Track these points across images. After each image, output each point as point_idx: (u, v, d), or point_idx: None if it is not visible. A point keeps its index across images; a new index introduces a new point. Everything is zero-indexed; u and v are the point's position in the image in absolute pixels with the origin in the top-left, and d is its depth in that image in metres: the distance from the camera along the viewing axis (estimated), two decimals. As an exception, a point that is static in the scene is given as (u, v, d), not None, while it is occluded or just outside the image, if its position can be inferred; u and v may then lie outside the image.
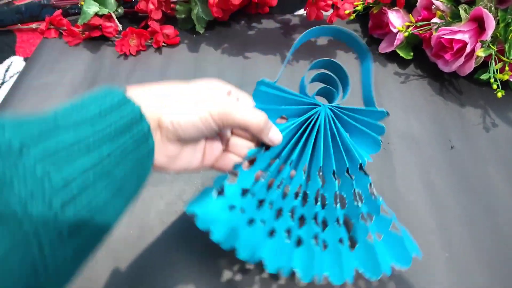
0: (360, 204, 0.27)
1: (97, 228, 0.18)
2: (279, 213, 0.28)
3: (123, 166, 0.19)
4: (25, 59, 0.53)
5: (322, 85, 0.29)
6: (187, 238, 0.34)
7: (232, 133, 0.28)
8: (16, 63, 0.52)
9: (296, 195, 0.28)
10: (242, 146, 0.27)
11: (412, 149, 0.40)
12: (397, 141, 0.41)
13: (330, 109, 0.28)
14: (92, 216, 0.18)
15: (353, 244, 0.27)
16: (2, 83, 0.49)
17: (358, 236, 0.27)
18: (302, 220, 0.28)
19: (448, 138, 0.41)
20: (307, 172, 0.28)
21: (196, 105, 0.23)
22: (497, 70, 0.41)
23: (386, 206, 0.27)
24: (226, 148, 0.28)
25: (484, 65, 0.44)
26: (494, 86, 0.40)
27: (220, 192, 0.26)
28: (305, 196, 0.28)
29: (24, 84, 0.48)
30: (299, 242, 0.27)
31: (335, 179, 0.27)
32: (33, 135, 0.16)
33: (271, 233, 0.27)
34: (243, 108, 0.24)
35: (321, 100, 0.28)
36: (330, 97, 0.29)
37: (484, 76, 0.41)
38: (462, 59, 0.42)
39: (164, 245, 0.33)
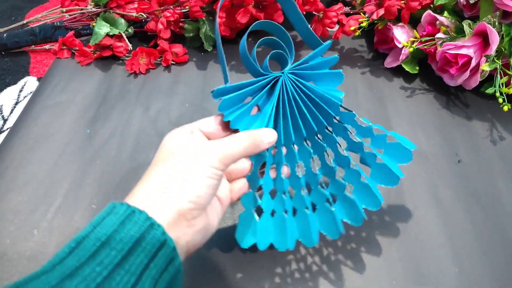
0: (358, 139, 0.30)
1: None
2: (273, 193, 0.30)
3: None
4: (39, 79, 0.54)
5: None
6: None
7: None
8: (30, 83, 0.54)
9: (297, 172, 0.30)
10: (238, 164, 0.28)
11: (420, 163, 0.40)
12: (404, 155, 0.41)
13: (291, 72, 0.29)
14: None
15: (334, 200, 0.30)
16: (17, 103, 0.51)
17: (369, 163, 0.31)
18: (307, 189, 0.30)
19: (456, 152, 0.41)
20: (296, 143, 0.30)
21: (197, 168, 0.23)
22: (502, 84, 0.41)
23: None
24: (229, 179, 0.29)
25: (490, 78, 0.44)
26: (500, 100, 0.40)
27: (258, 211, 0.29)
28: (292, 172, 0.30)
29: (38, 103, 0.50)
30: (294, 212, 0.30)
31: (327, 134, 0.30)
32: None
33: (272, 214, 0.30)
34: (231, 141, 0.25)
35: (273, 64, 0.29)
36: (281, 61, 0.30)
37: (489, 90, 0.42)
38: (467, 74, 0.43)
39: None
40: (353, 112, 0.30)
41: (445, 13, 0.46)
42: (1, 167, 0.42)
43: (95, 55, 0.55)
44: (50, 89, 0.51)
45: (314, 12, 0.49)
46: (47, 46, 0.58)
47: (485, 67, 0.41)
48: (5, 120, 0.49)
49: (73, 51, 0.56)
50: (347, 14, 0.51)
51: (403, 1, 0.46)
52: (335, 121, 0.30)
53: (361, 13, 0.50)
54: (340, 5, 0.49)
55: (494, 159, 0.40)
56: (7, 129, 0.47)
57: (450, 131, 0.43)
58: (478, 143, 0.42)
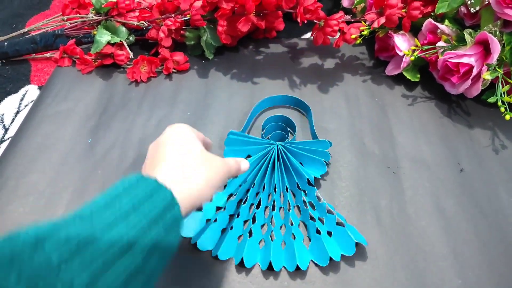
0: (308, 208, 0.36)
1: None
2: (245, 222, 0.37)
3: (154, 258, 0.20)
4: (40, 87, 0.54)
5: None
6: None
7: None
8: (31, 91, 0.54)
9: (258, 206, 0.37)
10: None
11: (422, 172, 0.40)
12: (406, 165, 0.41)
13: (282, 145, 0.40)
14: None
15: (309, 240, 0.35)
16: (18, 112, 0.51)
17: (310, 234, 0.35)
18: (263, 226, 0.37)
19: (458, 161, 0.41)
20: (266, 190, 0.38)
21: (209, 177, 0.26)
22: (504, 92, 0.41)
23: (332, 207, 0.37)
24: None
25: (491, 86, 0.44)
26: (502, 109, 0.40)
27: (199, 209, 0.35)
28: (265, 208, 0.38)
29: (39, 112, 0.49)
30: (262, 242, 0.35)
31: (288, 192, 0.38)
32: (71, 247, 0.18)
33: (239, 238, 0.36)
34: (230, 164, 0.29)
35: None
36: (282, 140, 0.42)
37: (491, 99, 0.42)
38: (469, 82, 0.43)
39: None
40: (314, 187, 0.38)
41: (446, 22, 0.46)
42: (2, 178, 0.42)
43: (96, 63, 0.55)
44: (51, 98, 0.51)
45: (315, 21, 0.49)
46: (48, 54, 0.58)
47: (487, 76, 0.41)
48: (6, 130, 0.48)
49: (74, 59, 0.56)
50: (348, 22, 0.51)
51: (404, 10, 0.46)
52: (297, 189, 0.38)
53: (362, 21, 0.50)
54: (341, 13, 0.49)
55: (496, 168, 0.40)
56: (8, 138, 0.47)
57: (452, 139, 0.43)
58: (480, 152, 0.42)
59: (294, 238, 0.34)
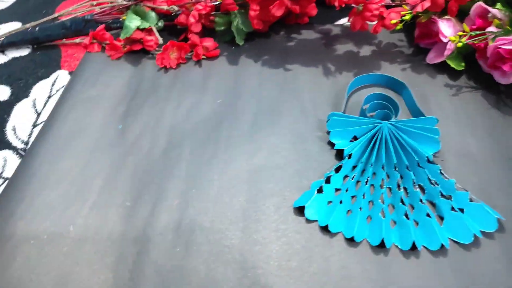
0: (438, 186, 0.35)
1: None
2: (371, 203, 0.35)
3: None
4: (70, 73, 0.54)
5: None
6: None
7: None
8: (62, 77, 0.54)
9: (381, 187, 0.36)
10: None
11: (469, 167, 0.38)
12: (452, 159, 0.38)
13: (390, 123, 0.38)
14: None
15: (441, 219, 0.34)
16: (49, 97, 0.51)
17: (443, 212, 0.34)
18: (391, 206, 0.35)
19: (508, 156, 0.38)
20: (385, 170, 0.37)
21: None
22: None
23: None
24: None
25: (546, 76, 0.41)
26: (561, 100, 0.37)
27: (320, 190, 0.36)
28: (389, 189, 0.36)
29: (70, 98, 0.49)
30: (393, 223, 0.34)
31: (410, 171, 0.36)
32: None
33: (368, 218, 0.34)
34: None
35: None
36: (386, 118, 0.39)
37: (549, 89, 0.38)
38: (523, 71, 0.39)
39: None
40: (438, 165, 0.36)
41: (498, 5, 0.42)
42: (36, 163, 0.42)
43: (125, 49, 0.54)
44: (81, 83, 0.51)
45: (353, 5, 0.46)
46: (77, 40, 0.57)
47: (544, 64, 0.38)
48: (38, 114, 0.49)
49: (104, 45, 0.56)
50: (388, 7, 0.48)
51: (451, -8, 0.43)
52: (419, 167, 0.36)
53: (403, 5, 0.47)
54: (380, -4, 0.46)
55: (551, 164, 0.37)
56: (41, 122, 0.47)
57: (502, 133, 0.40)
58: (533, 146, 0.39)
59: (430, 216, 0.33)
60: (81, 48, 0.57)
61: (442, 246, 0.32)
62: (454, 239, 0.33)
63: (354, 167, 0.37)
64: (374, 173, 0.37)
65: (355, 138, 0.39)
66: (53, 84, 0.53)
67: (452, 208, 0.33)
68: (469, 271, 0.31)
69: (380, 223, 0.33)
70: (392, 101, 0.40)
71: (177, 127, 0.44)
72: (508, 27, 0.41)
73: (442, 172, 0.35)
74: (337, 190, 0.37)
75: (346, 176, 0.37)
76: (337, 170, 0.37)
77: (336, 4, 0.45)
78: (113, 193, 0.38)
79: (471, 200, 0.34)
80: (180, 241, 0.34)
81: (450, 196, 0.35)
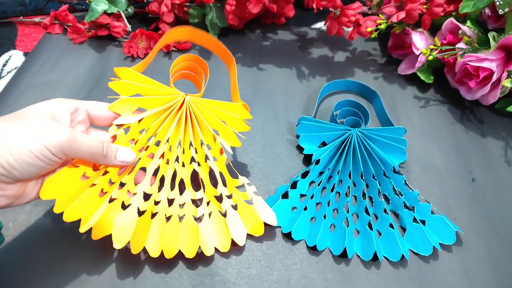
0: (402, 197, 0.35)
1: None
2: (336, 211, 0.35)
3: None
4: (25, 54, 0.50)
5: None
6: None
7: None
8: (15, 57, 0.49)
9: (347, 195, 0.35)
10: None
11: (432, 179, 0.38)
12: (416, 170, 0.39)
13: (359, 131, 0.38)
14: None
15: (403, 230, 0.34)
16: (-1, 78, 0.46)
17: (405, 223, 0.34)
18: (355, 215, 0.35)
19: (470, 170, 0.39)
20: (352, 178, 0.36)
21: (29, 138, 0.22)
22: (523, 102, 0.39)
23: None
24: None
25: (507, 95, 0.42)
26: (521, 119, 0.38)
27: (285, 196, 0.34)
28: (354, 197, 0.36)
29: (23, 81, 0.45)
30: (356, 233, 0.34)
31: (376, 180, 0.35)
32: None
33: (332, 226, 0.34)
34: (82, 138, 0.24)
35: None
36: (356, 126, 0.39)
37: (510, 108, 0.40)
38: (487, 88, 0.41)
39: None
40: (403, 176, 0.36)
41: (468, 23, 0.44)
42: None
43: (90, 33, 0.51)
44: (37, 66, 0.47)
45: (330, 9, 0.46)
46: (37, 19, 0.53)
47: (507, 83, 0.39)
48: (-16, 96, 0.44)
49: (66, 27, 0.52)
50: (365, 14, 0.48)
51: (425, 6, 0.44)
52: (385, 177, 0.36)
53: (379, 14, 0.47)
54: (358, 3, 0.46)
55: (509, 180, 0.39)
56: (-14, 106, 0.43)
57: (464, 147, 0.41)
58: (493, 162, 0.40)
59: (392, 227, 0.33)
60: (40, 28, 0.53)
61: (403, 257, 0.32)
62: (415, 251, 0.33)
63: (321, 173, 0.37)
64: (340, 181, 0.36)
65: (324, 144, 0.39)
66: (4, 65, 0.48)
67: (414, 220, 0.33)
68: (427, 283, 0.31)
69: (343, 232, 0.32)
70: (363, 108, 0.40)
71: (140, 121, 0.41)
72: (476, 45, 0.42)
73: (407, 182, 0.36)
74: (302, 196, 0.36)
75: (312, 182, 0.36)
76: (304, 175, 0.36)
77: (314, 6, 0.44)
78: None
79: (432, 213, 0.34)
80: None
81: (414, 207, 0.35)
